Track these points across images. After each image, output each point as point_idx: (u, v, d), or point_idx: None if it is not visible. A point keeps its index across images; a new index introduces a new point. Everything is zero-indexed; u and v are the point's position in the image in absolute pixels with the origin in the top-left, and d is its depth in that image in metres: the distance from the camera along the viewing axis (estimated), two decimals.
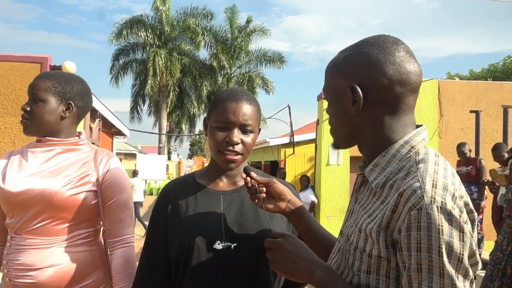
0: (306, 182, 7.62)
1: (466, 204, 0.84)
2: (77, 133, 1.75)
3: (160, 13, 23.06)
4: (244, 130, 1.27)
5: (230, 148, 1.25)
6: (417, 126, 0.97)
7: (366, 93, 0.93)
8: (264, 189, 1.22)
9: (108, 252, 1.66)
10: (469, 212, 0.84)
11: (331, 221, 6.82)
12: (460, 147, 6.31)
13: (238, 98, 1.28)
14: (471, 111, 7.18)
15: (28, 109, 1.62)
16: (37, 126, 1.63)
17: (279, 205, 1.23)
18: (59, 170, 1.61)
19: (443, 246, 0.77)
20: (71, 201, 1.57)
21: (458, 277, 0.78)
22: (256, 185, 1.21)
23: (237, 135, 1.26)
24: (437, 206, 0.78)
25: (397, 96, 0.92)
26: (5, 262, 1.60)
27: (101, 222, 1.69)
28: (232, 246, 1.24)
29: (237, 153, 1.26)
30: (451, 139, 7.16)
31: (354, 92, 0.93)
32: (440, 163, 0.88)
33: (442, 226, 0.77)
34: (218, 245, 1.24)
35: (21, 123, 1.64)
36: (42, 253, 1.55)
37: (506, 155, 5.21)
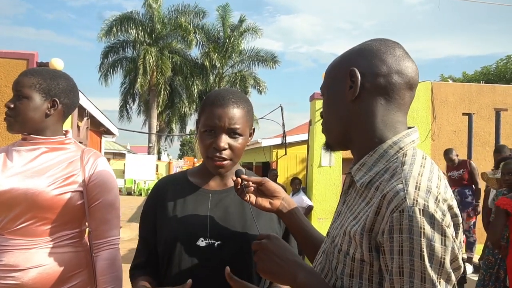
0: (298, 185, 7.47)
1: (450, 208, 0.82)
2: (64, 132, 1.71)
3: (152, 11, 22.87)
4: (231, 134, 1.26)
5: (217, 154, 1.24)
6: (409, 128, 0.96)
7: (364, 79, 0.93)
8: (252, 188, 1.22)
9: (93, 254, 1.63)
10: (453, 216, 0.83)
11: (323, 223, 6.76)
12: (447, 153, 6.28)
13: (224, 102, 1.26)
14: (463, 114, 7.16)
15: (12, 106, 1.59)
16: (21, 123, 1.60)
17: (274, 203, 1.23)
18: (44, 169, 1.58)
19: (425, 250, 0.76)
20: (56, 201, 1.54)
21: (440, 281, 0.77)
22: (243, 185, 1.21)
23: (224, 140, 1.25)
24: (419, 209, 0.77)
25: (393, 84, 0.93)
26: None
27: (86, 223, 1.66)
28: (215, 244, 1.25)
29: (225, 159, 1.25)
30: (443, 142, 7.15)
31: (353, 76, 0.94)
32: (426, 165, 0.87)
33: (424, 229, 0.76)
34: (202, 242, 1.24)
35: (4, 121, 1.60)
36: (25, 253, 1.52)
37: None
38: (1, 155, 1.63)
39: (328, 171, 7.04)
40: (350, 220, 0.91)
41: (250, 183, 1.22)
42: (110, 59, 24.06)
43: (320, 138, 6.98)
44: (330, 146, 1.05)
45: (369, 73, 0.93)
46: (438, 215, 0.78)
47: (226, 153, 1.25)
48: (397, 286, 0.78)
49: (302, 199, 6.84)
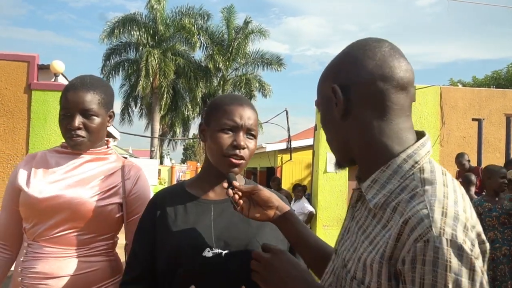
0: (301, 192, 7.40)
1: (478, 235, 0.75)
2: (106, 141, 1.71)
3: (155, 12, 22.68)
4: (248, 134, 1.28)
5: (237, 152, 1.24)
6: (417, 133, 0.89)
7: (348, 93, 0.87)
8: (239, 199, 1.16)
9: None
10: (481, 243, 0.75)
11: (328, 231, 6.63)
12: (459, 157, 6.19)
13: (243, 102, 1.29)
14: (473, 119, 7.06)
15: (82, 126, 1.55)
16: (93, 142, 1.61)
17: (267, 213, 1.18)
18: (87, 179, 1.58)
19: (450, 285, 0.69)
20: (97, 213, 1.54)
21: None
22: (231, 197, 1.16)
23: (243, 139, 1.26)
24: (447, 239, 0.70)
25: (381, 92, 0.85)
26: (20, 269, 1.53)
27: (117, 235, 1.67)
28: (223, 253, 1.23)
29: (242, 158, 1.26)
30: (452, 148, 7.01)
31: (335, 93, 0.88)
32: (449, 184, 0.80)
33: (450, 262, 0.69)
34: (208, 253, 1.23)
35: (71, 140, 1.55)
36: (60, 262, 1.51)
37: None
38: (41, 160, 1.62)
39: (334, 177, 6.92)
40: (365, 246, 0.83)
41: (236, 196, 1.16)
42: (112, 61, 23.86)
43: (325, 144, 6.78)
44: (339, 164, 0.99)
45: (351, 84, 0.87)
46: (467, 246, 0.70)
47: (244, 153, 1.26)
48: None
49: (304, 206, 6.75)
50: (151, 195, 1.66)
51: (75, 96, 1.54)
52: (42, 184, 1.55)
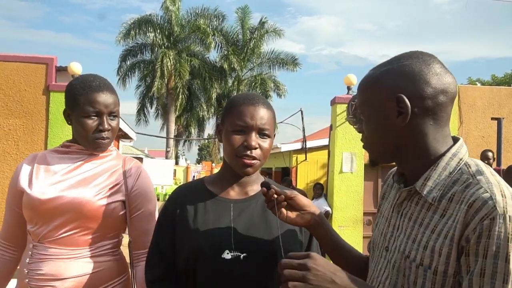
0: (320, 190, 7.40)
1: None
2: None
3: (170, 13, 22.80)
4: (261, 134, 1.27)
5: (248, 153, 1.24)
6: (453, 138, 1.00)
7: (412, 104, 0.94)
8: (284, 203, 1.18)
9: (134, 264, 1.65)
10: None
11: (344, 231, 6.58)
12: (485, 151, 6.04)
13: (255, 102, 1.28)
14: (492, 118, 6.89)
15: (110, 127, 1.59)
16: (112, 141, 1.64)
17: (304, 218, 1.21)
18: (89, 178, 1.57)
19: (511, 254, 0.81)
20: (101, 211, 1.53)
21: None
22: (275, 199, 1.16)
23: (255, 139, 1.25)
24: (510, 216, 0.83)
25: (441, 105, 0.95)
26: (26, 271, 1.52)
27: (122, 233, 1.67)
28: (241, 256, 1.23)
29: (255, 158, 1.25)
30: (471, 148, 6.87)
31: (401, 103, 0.95)
32: (494, 174, 0.93)
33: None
34: (227, 255, 1.22)
35: (100, 141, 1.57)
36: (66, 263, 1.51)
37: None
38: (42, 161, 1.61)
39: (350, 178, 6.86)
40: (428, 235, 0.92)
41: (282, 197, 1.18)
42: (128, 62, 24.06)
43: (341, 143, 6.82)
44: (374, 163, 1.09)
45: (417, 97, 0.95)
46: None
47: (256, 153, 1.25)
48: (475, 286, 0.83)
49: (320, 205, 6.72)
50: (154, 191, 1.71)
51: (103, 97, 1.55)
52: (44, 186, 1.54)
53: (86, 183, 1.55)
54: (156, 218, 1.63)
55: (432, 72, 0.96)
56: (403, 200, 1.03)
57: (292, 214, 1.20)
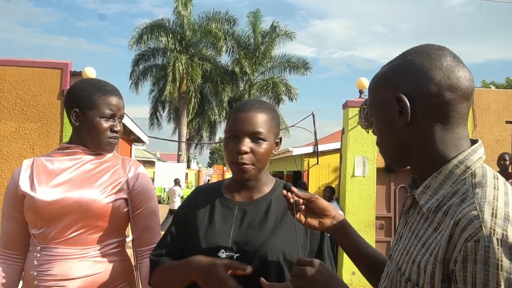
0: (329, 193, 7.37)
1: None
2: None
3: (182, 18, 22.99)
4: (255, 138, 1.27)
5: (239, 159, 1.26)
6: (472, 141, 0.90)
7: (413, 102, 0.88)
8: (303, 206, 1.19)
9: (137, 261, 1.69)
10: None
11: None
12: (503, 154, 5.97)
13: (247, 108, 1.29)
14: (507, 122, 6.83)
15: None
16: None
17: (323, 222, 1.19)
18: (92, 178, 1.60)
19: (502, 284, 0.70)
20: (107, 210, 1.56)
21: None
22: (294, 202, 1.17)
23: (246, 144, 1.26)
24: (497, 239, 0.71)
25: (447, 103, 0.86)
26: (34, 273, 1.52)
27: (126, 232, 1.70)
28: (234, 256, 1.25)
29: (245, 163, 1.26)
30: (485, 152, 6.72)
31: (400, 102, 0.88)
32: (500, 187, 0.81)
33: (502, 261, 0.71)
34: (222, 254, 1.26)
35: (111, 141, 1.65)
36: (76, 263, 1.53)
37: None
38: (41, 164, 1.62)
39: (362, 181, 6.83)
40: (418, 248, 0.85)
41: (301, 201, 1.18)
42: (141, 66, 24.33)
43: (353, 147, 6.79)
44: (389, 168, 1.00)
45: (418, 95, 0.87)
46: None
47: (247, 158, 1.26)
48: None
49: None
50: (154, 189, 1.76)
51: (117, 101, 1.65)
52: (48, 188, 1.55)
53: (90, 182, 1.58)
54: (157, 216, 1.75)
55: (436, 67, 0.87)
56: (409, 207, 0.97)
57: (311, 219, 1.20)
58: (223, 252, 1.26)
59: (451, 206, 0.82)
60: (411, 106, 0.88)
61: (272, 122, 1.32)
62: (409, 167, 0.97)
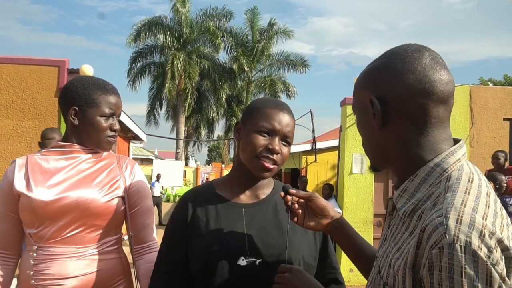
0: (328, 190, 7.38)
1: (499, 241, 0.73)
2: None
3: (180, 15, 22.92)
4: (284, 140, 1.27)
5: (270, 155, 1.24)
6: (455, 141, 0.89)
7: (386, 106, 0.87)
8: (299, 211, 1.19)
9: (135, 258, 1.69)
10: (504, 250, 0.73)
11: None
12: (496, 152, 5.97)
13: (284, 108, 1.29)
14: (504, 119, 6.84)
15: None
16: None
17: (321, 222, 1.19)
18: (89, 176, 1.60)
19: None
20: (105, 208, 1.57)
21: None
22: (291, 203, 1.17)
23: (278, 144, 1.25)
24: (461, 246, 0.70)
25: (420, 108, 0.84)
26: (31, 273, 1.51)
27: (121, 230, 1.70)
28: (257, 262, 1.22)
29: (275, 162, 1.25)
30: (483, 149, 6.81)
31: (373, 105, 0.88)
32: (471, 191, 0.79)
33: (465, 268, 0.70)
34: (242, 261, 1.22)
35: (110, 140, 1.65)
36: (73, 262, 1.53)
37: None
38: (36, 163, 1.59)
39: (360, 179, 6.84)
40: (394, 252, 0.85)
41: (296, 205, 1.18)
42: (139, 64, 24.24)
43: (351, 145, 6.80)
44: (372, 168, 1.00)
45: (391, 99, 0.86)
46: (483, 253, 0.70)
47: (277, 157, 1.26)
48: None
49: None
50: (148, 187, 1.77)
51: (117, 100, 1.65)
52: (45, 188, 1.53)
53: (87, 181, 1.57)
54: (153, 213, 1.75)
55: (409, 70, 0.85)
56: (392, 209, 0.95)
57: (309, 220, 1.20)
58: (243, 260, 1.22)
59: (424, 210, 0.81)
60: (384, 109, 0.87)
61: (294, 128, 1.33)
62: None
